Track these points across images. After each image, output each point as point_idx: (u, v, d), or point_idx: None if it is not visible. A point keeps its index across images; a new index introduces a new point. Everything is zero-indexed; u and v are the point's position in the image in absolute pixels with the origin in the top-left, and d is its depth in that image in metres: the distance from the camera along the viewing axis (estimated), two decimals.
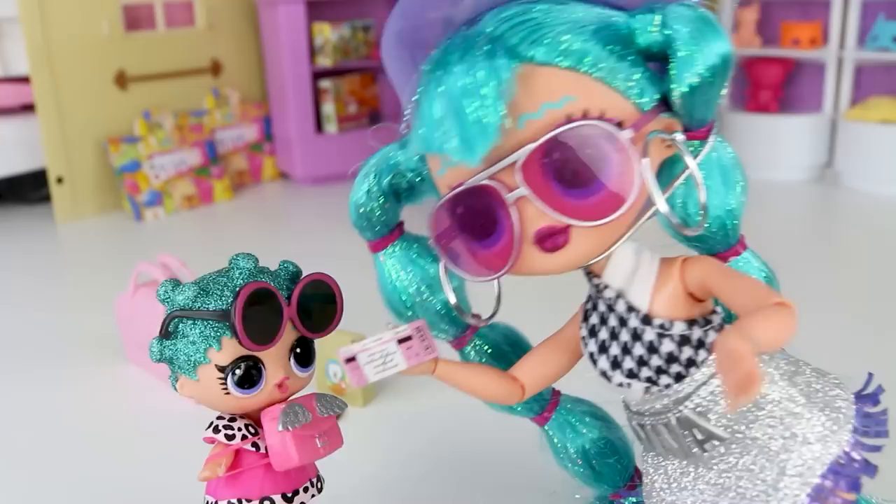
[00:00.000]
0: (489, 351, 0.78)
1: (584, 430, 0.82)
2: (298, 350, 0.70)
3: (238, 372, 0.67)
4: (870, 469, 0.60)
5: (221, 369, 0.67)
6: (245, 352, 0.67)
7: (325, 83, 2.67)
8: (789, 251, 1.81)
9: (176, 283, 0.69)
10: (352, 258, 1.91)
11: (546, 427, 0.83)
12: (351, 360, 0.68)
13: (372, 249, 0.75)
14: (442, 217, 0.64)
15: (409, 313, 0.74)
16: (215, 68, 2.69)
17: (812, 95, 2.60)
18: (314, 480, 0.73)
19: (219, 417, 0.70)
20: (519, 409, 0.80)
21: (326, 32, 2.61)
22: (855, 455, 0.60)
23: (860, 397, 0.65)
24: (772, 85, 2.56)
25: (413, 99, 0.62)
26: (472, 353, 0.78)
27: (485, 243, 0.62)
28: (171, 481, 1.04)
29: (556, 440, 0.83)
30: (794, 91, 2.64)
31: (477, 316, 0.75)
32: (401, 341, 0.68)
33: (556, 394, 0.83)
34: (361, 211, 0.72)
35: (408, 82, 0.65)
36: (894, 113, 2.28)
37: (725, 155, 0.67)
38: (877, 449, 0.61)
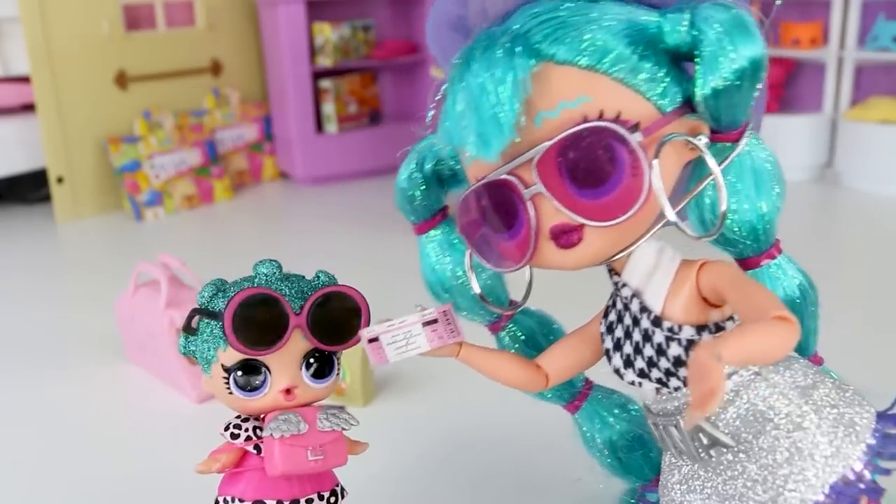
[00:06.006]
0: (523, 337, 0.79)
1: (613, 422, 0.82)
2: (312, 360, 0.70)
3: (239, 373, 0.68)
4: (876, 491, 0.59)
5: (226, 369, 0.68)
6: (248, 355, 0.67)
7: (326, 83, 2.67)
8: (789, 251, 1.80)
9: (221, 283, 0.71)
10: (352, 258, 1.92)
11: (576, 416, 0.83)
12: (374, 340, 0.68)
13: (415, 232, 0.76)
14: (467, 207, 0.65)
15: (447, 296, 0.75)
16: (215, 68, 2.69)
17: (812, 95, 2.60)
18: (325, 494, 0.72)
19: (236, 416, 0.71)
20: (549, 396, 0.81)
21: (326, 32, 2.61)
22: (865, 474, 0.59)
23: (883, 417, 0.63)
24: (772, 85, 2.56)
25: (441, 91, 0.63)
26: (507, 338, 0.79)
27: (506, 235, 0.63)
28: (171, 481, 1.04)
29: (585, 429, 0.84)
30: (794, 91, 2.64)
31: (513, 303, 0.76)
32: (427, 324, 0.69)
33: (588, 384, 0.83)
34: (404, 195, 0.74)
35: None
36: (894, 113, 2.28)
37: (760, 158, 0.66)
38: (887, 472, 0.60)
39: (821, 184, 2.46)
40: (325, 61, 2.64)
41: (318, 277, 0.73)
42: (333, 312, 0.70)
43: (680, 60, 0.61)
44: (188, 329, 0.70)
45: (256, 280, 0.70)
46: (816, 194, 2.38)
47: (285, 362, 0.69)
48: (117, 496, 1.04)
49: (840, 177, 2.44)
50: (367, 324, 0.71)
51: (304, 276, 0.73)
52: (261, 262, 0.71)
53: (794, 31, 2.49)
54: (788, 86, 2.64)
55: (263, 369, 0.68)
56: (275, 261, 0.72)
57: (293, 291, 0.69)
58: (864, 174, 2.35)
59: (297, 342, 0.69)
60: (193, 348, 0.70)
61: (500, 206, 0.62)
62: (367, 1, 2.81)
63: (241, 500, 0.69)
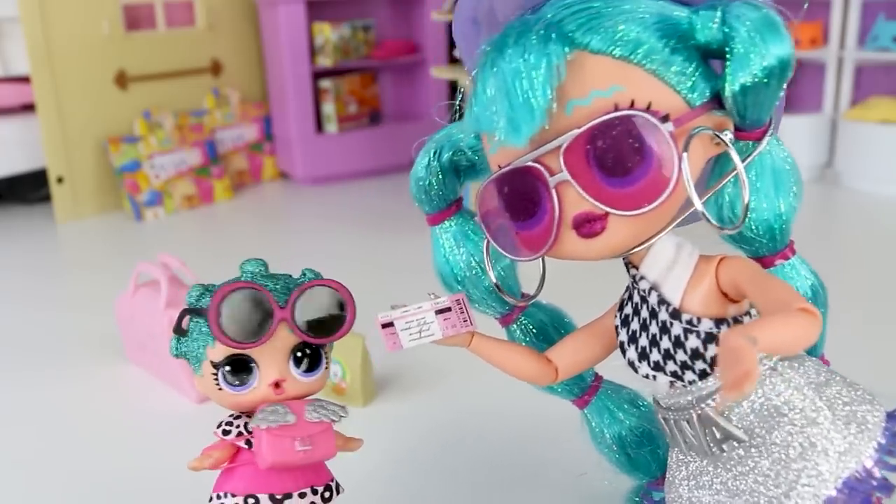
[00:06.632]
0: (534, 330, 0.79)
1: (622, 417, 0.83)
2: (299, 354, 0.71)
3: (227, 369, 0.69)
4: (887, 488, 0.59)
5: (215, 365, 0.69)
6: (235, 350, 0.68)
7: (326, 83, 2.67)
8: None
9: (204, 286, 0.72)
10: (352, 258, 1.92)
11: (585, 411, 0.84)
12: (388, 325, 0.69)
13: (429, 223, 0.76)
14: (488, 195, 0.65)
15: (460, 287, 0.75)
16: (215, 68, 2.69)
17: (812, 95, 2.60)
18: (319, 489, 0.72)
19: (229, 414, 0.72)
20: (559, 390, 0.82)
21: (326, 32, 2.61)
22: (875, 472, 0.59)
23: (892, 416, 0.64)
24: None
25: (470, 77, 0.63)
26: (518, 331, 0.79)
27: (526, 224, 0.63)
28: (171, 481, 1.04)
29: (593, 424, 0.84)
30: (794, 91, 2.64)
31: (526, 296, 0.76)
32: (440, 312, 0.70)
33: (597, 378, 0.84)
34: (420, 184, 0.74)
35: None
36: (894, 113, 2.28)
37: (780, 158, 0.66)
38: None
39: (821, 184, 2.46)
40: (325, 61, 2.64)
41: (305, 275, 0.74)
42: (319, 306, 0.71)
43: (707, 57, 0.62)
44: (179, 330, 0.71)
45: (242, 277, 0.71)
46: (816, 194, 2.38)
47: (273, 356, 0.70)
48: (117, 496, 1.04)
49: (840, 177, 2.44)
50: (354, 317, 0.72)
51: (290, 275, 0.73)
52: (247, 260, 0.72)
53: (794, 31, 2.48)
54: (788, 86, 2.62)
55: (252, 364, 0.69)
56: (261, 259, 0.73)
57: (279, 287, 0.70)
58: (864, 174, 2.35)
59: (284, 336, 0.69)
60: (185, 349, 0.71)
61: (524, 194, 0.62)
62: (367, 1, 2.81)
63: (233, 495, 0.70)
